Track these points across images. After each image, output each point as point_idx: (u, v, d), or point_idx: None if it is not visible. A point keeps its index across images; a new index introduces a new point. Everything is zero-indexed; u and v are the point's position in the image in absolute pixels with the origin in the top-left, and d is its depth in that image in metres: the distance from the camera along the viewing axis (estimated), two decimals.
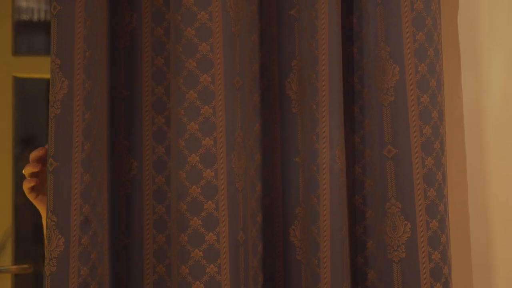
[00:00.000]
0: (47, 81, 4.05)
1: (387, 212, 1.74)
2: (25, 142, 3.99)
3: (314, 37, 1.75)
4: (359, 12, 1.82)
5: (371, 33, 1.78)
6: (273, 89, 1.84)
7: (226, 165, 1.69)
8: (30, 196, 1.79)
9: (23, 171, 1.80)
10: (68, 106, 1.67)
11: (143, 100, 1.81)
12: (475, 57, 1.91)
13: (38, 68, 3.76)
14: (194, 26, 1.69)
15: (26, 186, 1.78)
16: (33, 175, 1.78)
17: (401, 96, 1.73)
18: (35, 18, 3.59)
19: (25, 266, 3.39)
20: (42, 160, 1.78)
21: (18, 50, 3.64)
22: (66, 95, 1.67)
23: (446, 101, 1.87)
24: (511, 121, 1.91)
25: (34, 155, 1.78)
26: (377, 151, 1.76)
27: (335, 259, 1.72)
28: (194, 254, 1.67)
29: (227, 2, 1.71)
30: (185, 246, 1.67)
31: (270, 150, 1.83)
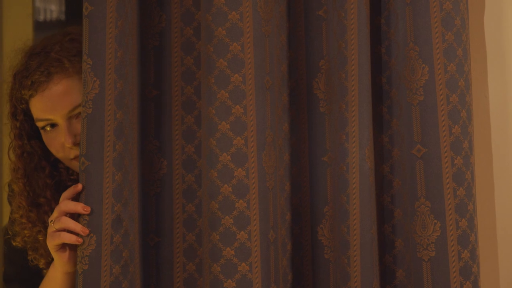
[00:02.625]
0: None
1: (417, 211, 1.74)
2: None
3: (344, 37, 1.76)
4: (387, 12, 1.82)
5: (399, 33, 1.78)
6: (301, 89, 1.85)
7: (257, 164, 1.70)
8: (55, 248, 1.71)
9: (63, 208, 1.70)
10: (100, 105, 1.68)
11: (172, 100, 1.82)
12: (501, 56, 1.92)
13: None
14: (225, 26, 1.70)
15: (61, 241, 1.69)
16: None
17: (430, 95, 1.74)
18: (55, 18, 3.61)
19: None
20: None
21: None
22: (98, 95, 1.68)
23: (472, 101, 1.87)
24: None
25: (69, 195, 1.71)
26: (406, 150, 1.77)
27: (365, 258, 1.73)
28: (226, 252, 1.68)
29: (257, 3, 1.72)
30: (217, 245, 1.68)
31: (298, 150, 1.85)
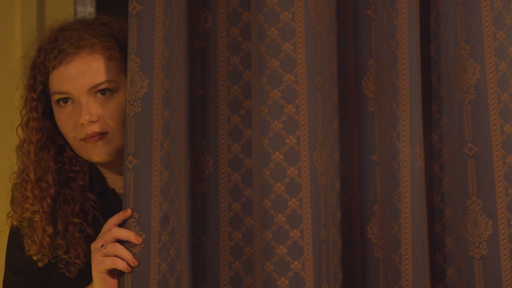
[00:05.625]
0: None
1: (468, 210, 1.75)
2: None
3: (394, 36, 1.76)
4: (436, 11, 1.83)
5: (450, 33, 1.79)
6: (350, 88, 1.86)
7: (309, 163, 1.71)
8: (102, 273, 1.70)
9: (114, 234, 1.68)
10: (148, 104, 1.69)
11: (218, 99, 1.83)
12: None
13: None
14: (277, 26, 1.71)
15: (113, 267, 1.68)
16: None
17: (482, 94, 1.74)
18: None
19: None
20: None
21: None
22: (147, 94, 1.69)
23: None
24: None
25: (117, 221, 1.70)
26: (457, 149, 1.78)
27: (416, 256, 1.74)
28: (279, 250, 1.69)
29: (309, 3, 1.73)
30: (270, 243, 1.69)
31: (348, 149, 1.85)
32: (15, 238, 1.92)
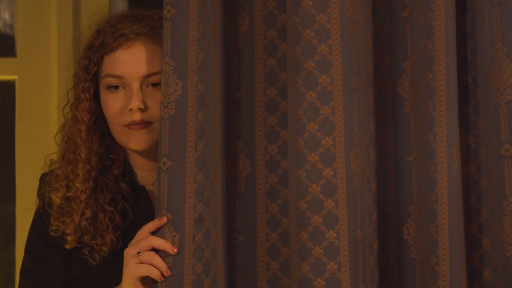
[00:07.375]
0: None
1: (505, 211, 1.75)
2: None
3: (431, 38, 1.76)
4: (472, 12, 1.83)
5: (486, 34, 1.79)
6: (386, 90, 1.86)
7: (345, 164, 1.71)
8: (135, 279, 1.72)
9: (149, 242, 1.70)
10: (182, 106, 1.71)
11: (255, 101, 1.84)
12: None
13: None
14: (313, 28, 1.72)
15: (147, 274, 1.70)
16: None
17: None
18: None
19: None
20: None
21: None
22: (180, 96, 1.71)
23: None
24: None
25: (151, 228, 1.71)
26: (493, 150, 1.78)
27: (453, 257, 1.74)
28: (315, 251, 1.69)
29: (344, 4, 1.73)
30: (306, 244, 1.70)
31: (383, 150, 1.85)
32: (37, 226, 1.93)
